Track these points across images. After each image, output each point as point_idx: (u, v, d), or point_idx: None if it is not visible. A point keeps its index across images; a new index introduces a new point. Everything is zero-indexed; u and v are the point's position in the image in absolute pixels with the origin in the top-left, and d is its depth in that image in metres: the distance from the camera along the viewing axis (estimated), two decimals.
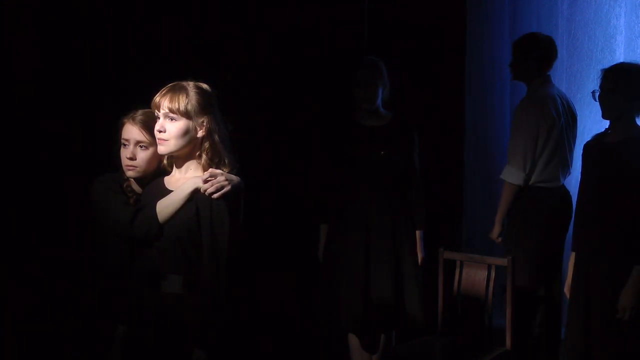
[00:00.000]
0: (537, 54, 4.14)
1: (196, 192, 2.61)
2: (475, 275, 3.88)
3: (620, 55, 4.36)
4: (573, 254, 3.52)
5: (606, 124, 3.44)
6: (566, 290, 3.55)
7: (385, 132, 3.98)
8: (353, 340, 4.06)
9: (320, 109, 4.45)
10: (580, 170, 3.51)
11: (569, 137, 4.18)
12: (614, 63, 3.63)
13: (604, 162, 3.36)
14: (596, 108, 3.45)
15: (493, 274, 3.82)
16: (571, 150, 4.20)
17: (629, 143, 3.30)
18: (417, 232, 4.03)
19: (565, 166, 4.17)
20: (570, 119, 4.17)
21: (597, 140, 3.45)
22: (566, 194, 4.20)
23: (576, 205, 3.55)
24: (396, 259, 3.92)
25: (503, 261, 3.80)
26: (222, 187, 2.60)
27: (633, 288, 3.21)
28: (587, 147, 3.50)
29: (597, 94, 3.35)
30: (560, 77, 4.64)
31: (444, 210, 4.79)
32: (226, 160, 2.68)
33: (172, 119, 2.61)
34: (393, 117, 4.03)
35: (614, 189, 3.30)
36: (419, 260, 4.00)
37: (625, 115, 3.32)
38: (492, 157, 4.98)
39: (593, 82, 3.42)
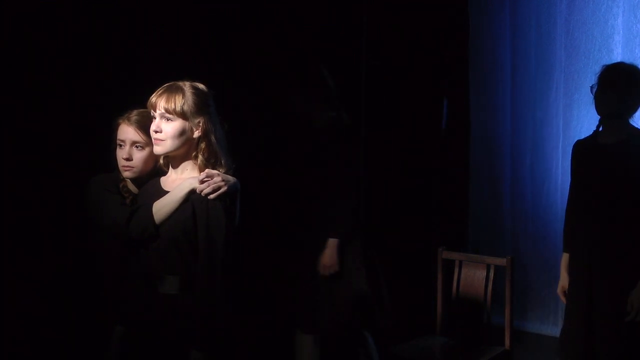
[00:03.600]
0: None
1: (192, 192, 2.62)
2: (474, 275, 3.88)
3: (618, 54, 4.36)
4: (566, 255, 3.50)
5: None
6: (559, 292, 3.52)
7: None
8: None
9: None
10: (563, 168, 3.48)
11: None
12: (614, 62, 3.63)
13: (602, 163, 3.33)
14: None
15: (492, 274, 3.82)
16: None
17: (627, 144, 3.28)
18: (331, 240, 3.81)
19: None
20: None
21: (591, 140, 3.41)
22: None
23: (567, 205, 3.52)
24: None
25: (502, 261, 3.80)
26: (219, 188, 2.61)
27: None
28: (578, 146, 3.48)
29: (594, 89, 3.34)
30: (559, 77, 4.64)
31: (449, 211, 4.78)
32: (222, 161, 2.68)
33: (168, 119, 2.62)
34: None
35: (615, 189, 3.27)
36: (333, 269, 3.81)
37: (620, 116, 3.29)
38: (496, 157, 4.97)
39: (591, 82, 3.41)
